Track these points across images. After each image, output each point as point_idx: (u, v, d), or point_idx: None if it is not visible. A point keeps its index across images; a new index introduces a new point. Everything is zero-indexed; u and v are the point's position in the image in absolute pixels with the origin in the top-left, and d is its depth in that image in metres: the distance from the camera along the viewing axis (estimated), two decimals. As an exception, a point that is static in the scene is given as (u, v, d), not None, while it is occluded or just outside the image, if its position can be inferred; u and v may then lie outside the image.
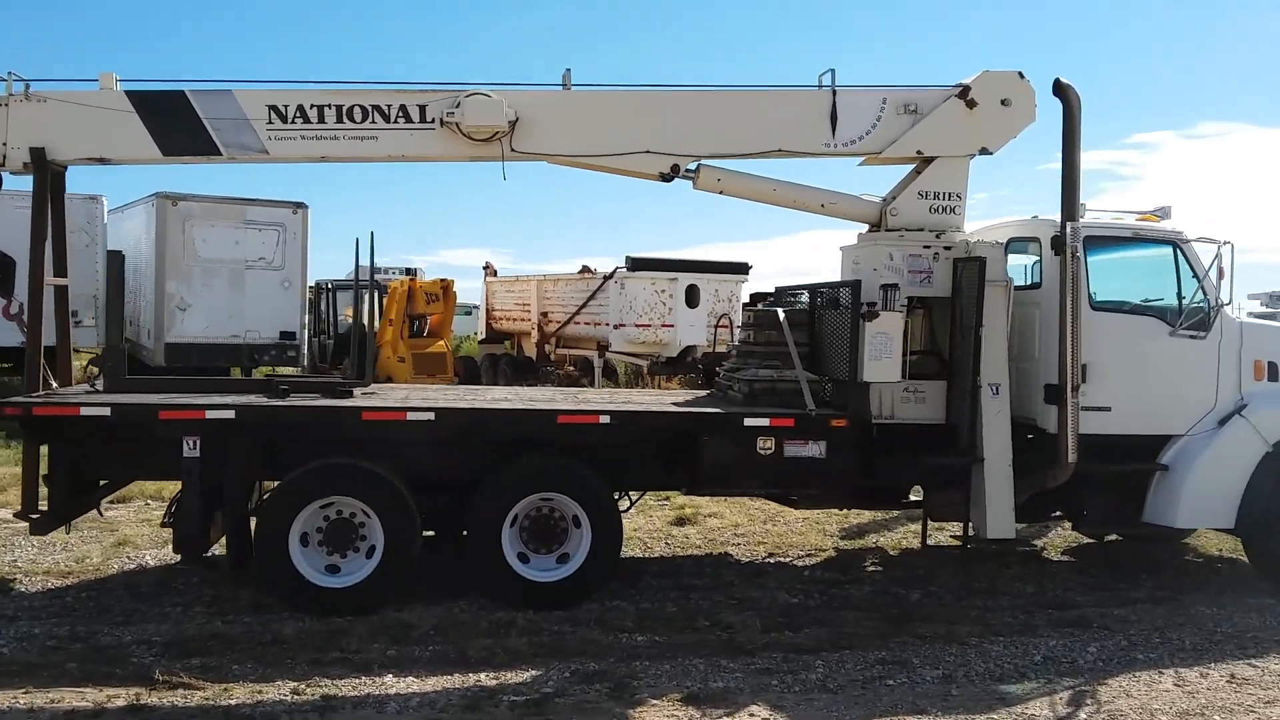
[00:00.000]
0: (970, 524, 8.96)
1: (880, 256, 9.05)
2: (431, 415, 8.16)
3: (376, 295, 23.38)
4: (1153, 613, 8.43)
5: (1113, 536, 10.54)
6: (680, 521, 11.43)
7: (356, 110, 8.75)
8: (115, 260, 8.86)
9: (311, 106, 8.71)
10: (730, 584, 9.03)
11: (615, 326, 20.69)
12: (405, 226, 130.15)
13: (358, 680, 6.60)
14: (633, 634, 7.62)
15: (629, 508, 9.60)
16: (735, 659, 7.12)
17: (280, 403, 8.27)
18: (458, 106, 8.68)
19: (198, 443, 7.86)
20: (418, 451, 8.35)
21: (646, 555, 10.16)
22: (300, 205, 20.70)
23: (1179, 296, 9.10)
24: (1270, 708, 6.38)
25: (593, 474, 8.33)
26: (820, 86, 9.22)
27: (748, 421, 8.44)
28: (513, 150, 8.93)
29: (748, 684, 6.67)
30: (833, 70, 9.19)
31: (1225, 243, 8.89)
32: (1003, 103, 9.19)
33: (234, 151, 8.66)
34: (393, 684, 6.56)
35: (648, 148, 9.06)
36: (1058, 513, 9.56)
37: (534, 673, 6.77)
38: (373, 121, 8.78)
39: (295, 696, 6.30)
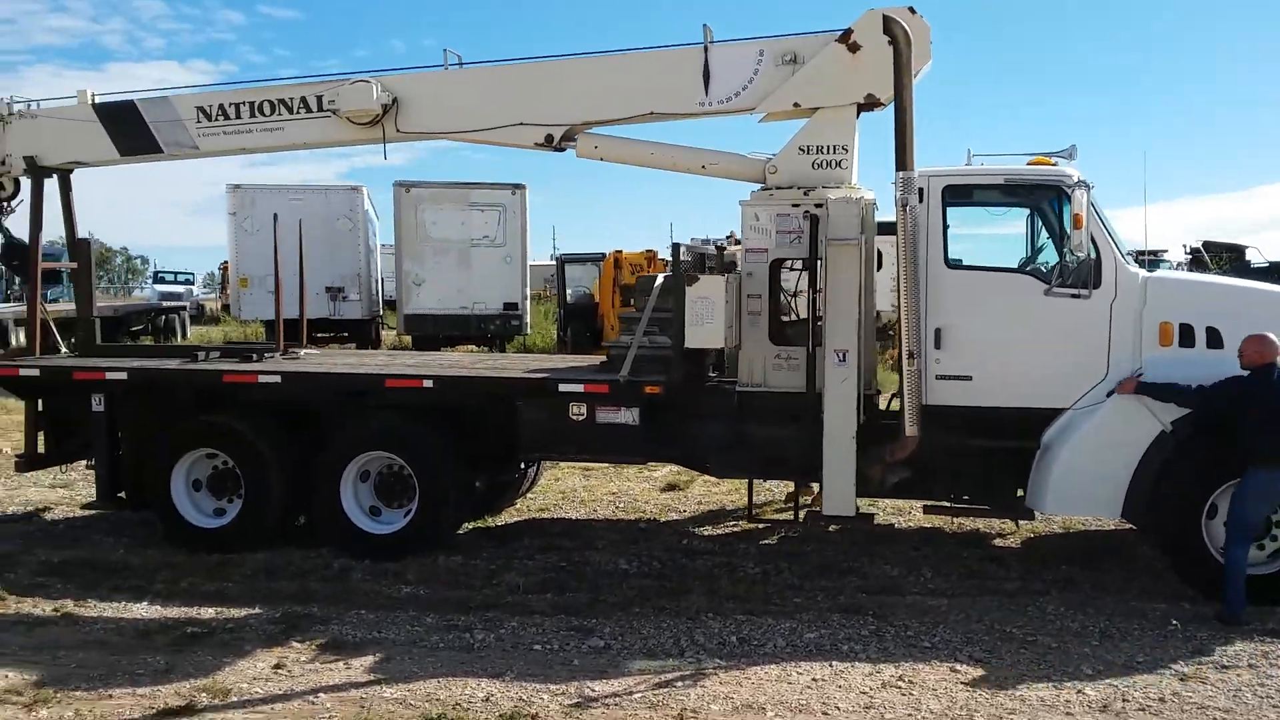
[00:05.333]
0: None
1: (748, 218, 8.64)
2: (279, 379, 9.01)
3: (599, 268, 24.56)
4: (969, 606, 7.45)
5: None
6: (670, 487, 11.44)
7: (266, 104, 9.74)
8: (84, 246, 10.48)
9: (230, 104, 9.80)
10: (594, 548, 9.09)
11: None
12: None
13: (110, 604, 7.64)
14: (403, 586, 8.04)
15: (524, 472, 9.91)
16: (448, 615, 7.35)
17: (162, 366, 9.48)
18: (337, 95, 9.40)
19: (103, 399, 9.27)
20: (281, 411, 9.20)
21: (586, 517, 10.36)
22: (519, 186, 22.23)
23: (1060, 250, 7.86)
24: (831, 714, 5.64)
25: (420, 433, 8.77)
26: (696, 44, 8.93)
27: (562, 387, 8.48)
28: (398, 130, 9.50)
29: (410, 636, 6.94)
30: (705, 25, 8.90)
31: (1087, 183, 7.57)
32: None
33: (172, 149, 9.96)
34: (131, 609, 7.54)
35: (520, 119, 9.26)
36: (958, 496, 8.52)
37: (251, 611, 7.46)
38: (279, 114, 9.73)
39: (51, 612, 7.48)
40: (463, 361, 10.57)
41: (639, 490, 11.37)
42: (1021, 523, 9.36)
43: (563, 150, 9.36)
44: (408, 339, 23.32)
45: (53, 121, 10.14)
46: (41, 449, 9.94)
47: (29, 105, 10.25)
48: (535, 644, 6.76)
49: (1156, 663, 6.35)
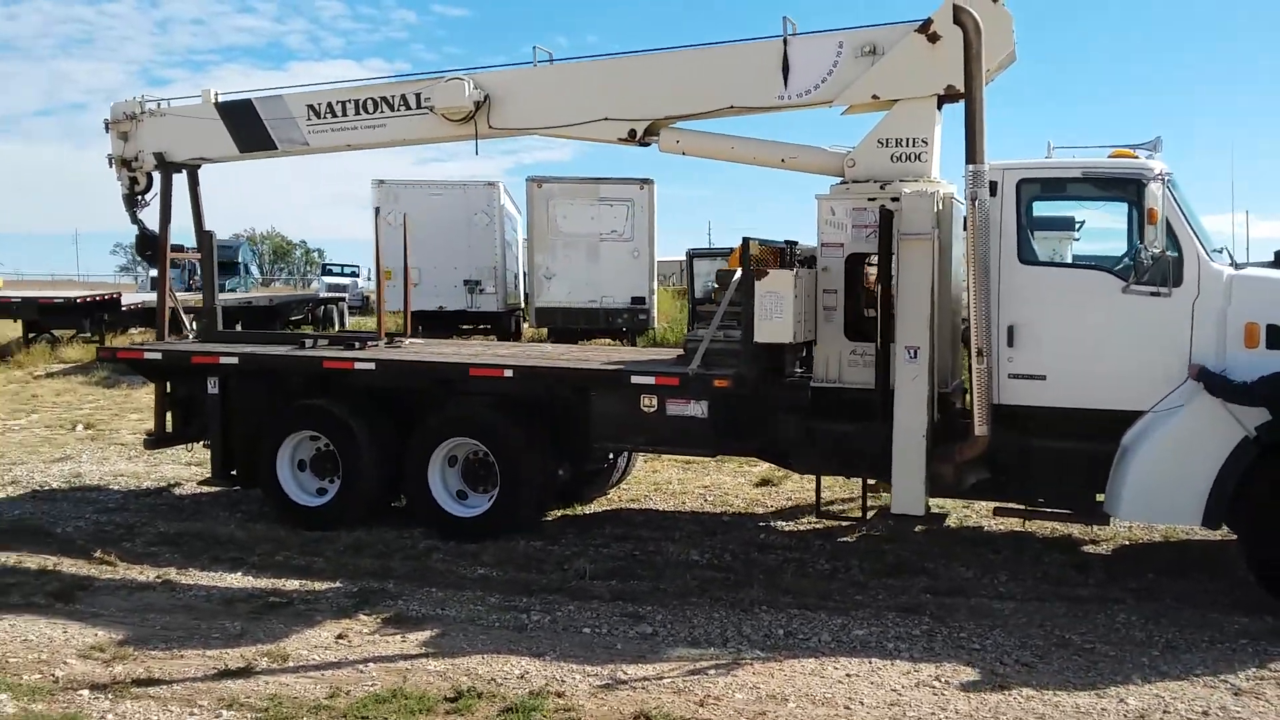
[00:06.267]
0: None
1: (823, 212, 8.65)
2: (373, 365, 9.45)
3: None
4: (1035, 611, 7.29)
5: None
6: (763, 482, 11.48)
7: (369, 102, 10.18)
8: (207, 239, 11.13)
9: (337, 102, 10.28)
10: (671, 539, 9.23)
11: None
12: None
13: (207, 573, 8.20)
14: (478, 568, 8.35)
15: (613, 462, 10.15)
16: (510, 597, 7.62)
17: (269, 351, 10.06)
18: (432, 92, 9.75)
19: (217, 382, 9.90)
20: (377, 397, 9.65)
21: (674, 509, 10.52)
22: (647, 181, 22.38)
23: (1140, 245, 7.59)
24: (854, 709, 5.64)
25: (501, 420, 9.07)
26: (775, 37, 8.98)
27: (634, 379, 8.64)
28: (490, 127, 9.80)
29: (470, 614, 7.24)
30: (785, 17, 8.92)
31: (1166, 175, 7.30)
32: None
33: (285, 145, 10.50)
34: (225, 579, 8.08)
35: (605, 115, 9.44)
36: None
37: (332, 585, 7.90)
38: (381, 111, 10.15)
39: (153, 578, 8.09)
40: (550, 353, 10.85)
41: (731, 484, 11.45)
42: (1118, 529, 9.14)
43: (647, 145, 9.54)
44: (543, 331, 23.88)
45: (179, 119, 10.84)
46: (169, 429, 10.68)
47: (159, 104, 10.98)
48: (585, 627, 6.96)
49: (1214, 676, 6.11)
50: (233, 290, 38.44)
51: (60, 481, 11.57)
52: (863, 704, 5.73)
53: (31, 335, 23.76)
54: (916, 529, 9.42)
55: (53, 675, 6.02)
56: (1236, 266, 7.70)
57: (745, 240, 8.56)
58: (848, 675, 6.13)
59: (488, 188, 24.22)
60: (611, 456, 10.36)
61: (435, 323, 23.94)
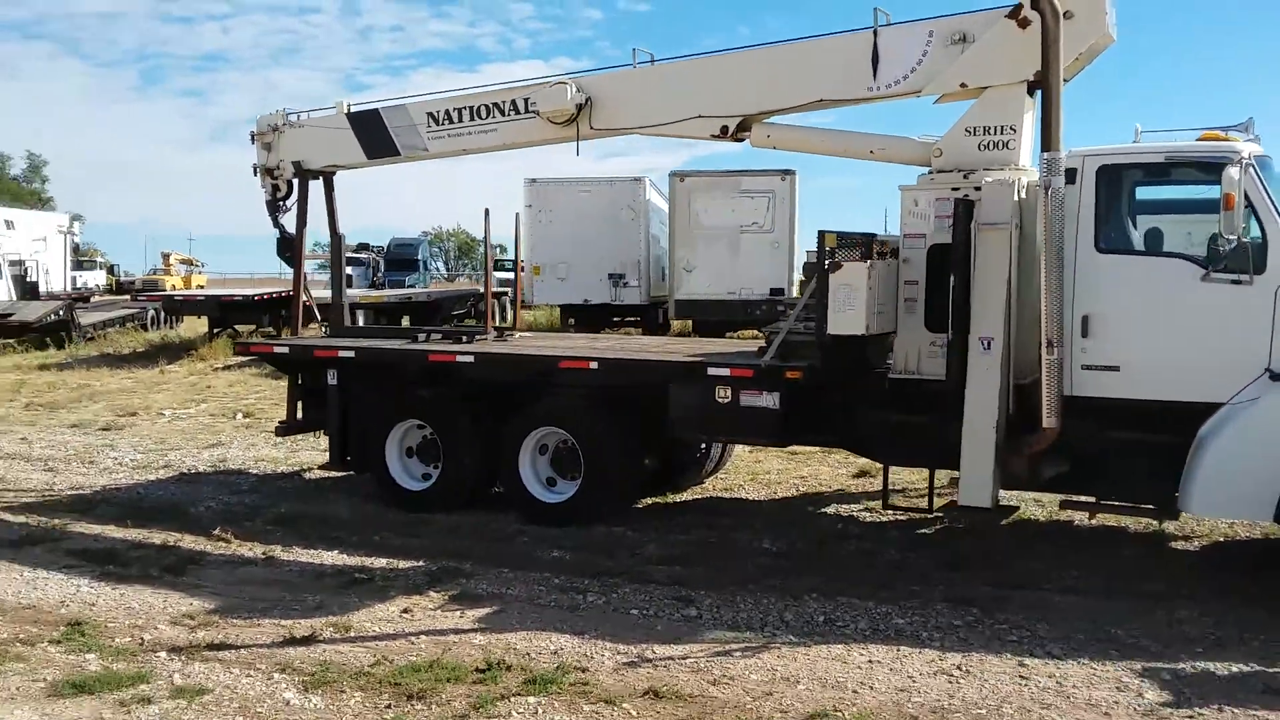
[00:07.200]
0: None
1: (906, 203, 8.67)
2: (472, 359, 9.97)
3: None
4: (1091, 605, 7.15)
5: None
6: (861, 473, 11.49)
7: (482, 109, 10.68)
8: (337, 242, 11.88)
9: (454, 109, 10.80)
10: (752, 527, 9.42)
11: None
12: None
13: (308, 550, 8.86)
14: (555, 551, 8.74)
15: (705, 452, 10.39)
16: (574, 578, 7.96)
17: (382, 345, 10.70)
18: (538, 97, 10.18)
19: (335, 374, 10.63)
20: (479, 387, 10.15)
21: (764, 498, 10.69)
22: (788, 172, 22.38)
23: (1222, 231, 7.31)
24: (861, 693, 5.70)
25: (586, 410, 9.45)
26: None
27: (711, 370, 8.86)
28: (592, 128, 10.15)
29: (530, 594, 7.61)
30: (877, 9, 8.95)
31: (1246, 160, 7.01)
32: (1063, 15, 8.13)
33: (408, 151, 11.12)
34: (322, 556, 8.71)
35: (698, 112, 9.67)
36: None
37: (415, 564, 8.41)
38: (493, 116, 10.64)
39: (259, 554, 8.80)
40: (647, 345, 11.15)
41: (829, 475, 11.49)
42: (1215, 525, 8.85)
43: (740, 140, 9.69)
44: (688, 324, 24.20)
45: (315, 130, 11.58)
46: (300, 417, 11.49)
47: (298, 116, 11.79)
48: (634, 609, 7.23)
49: (1251, 676, 5.91)
50: (412, 286, 40.27)
51: (207, 465, 12.60)
52: (872, 689, 5.81)
53: (216, 330, 25.60)
54: (1003, 522, 9.30)
55: (141, 639, 6.70)
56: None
57: (821, 233, 8.64)
58: (870, 661, 6.21)
59: (633, 183, 24.71)
60: (705, 446, 10.60)
61: (583, 315, 24.64)
